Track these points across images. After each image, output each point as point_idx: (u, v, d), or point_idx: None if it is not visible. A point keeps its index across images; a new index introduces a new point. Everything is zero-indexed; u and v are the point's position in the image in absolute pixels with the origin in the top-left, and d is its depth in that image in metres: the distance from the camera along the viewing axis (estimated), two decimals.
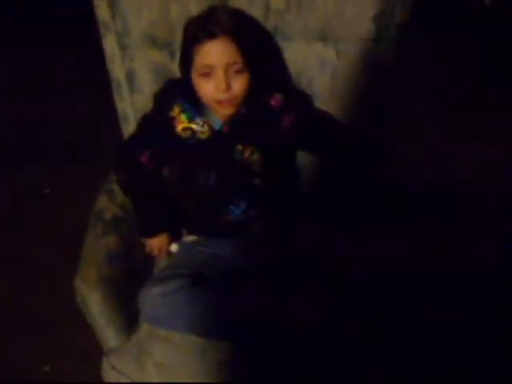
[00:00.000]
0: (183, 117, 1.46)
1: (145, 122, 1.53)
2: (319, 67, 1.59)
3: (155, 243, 1.61)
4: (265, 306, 1.42)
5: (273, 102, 1.46)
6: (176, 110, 1.46)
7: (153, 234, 1.61)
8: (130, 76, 1.61)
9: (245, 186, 1.51)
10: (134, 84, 1.62)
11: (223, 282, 1.42)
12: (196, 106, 1.44)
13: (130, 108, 1.68)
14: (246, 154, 1.46)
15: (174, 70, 1.55)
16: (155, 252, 1.62)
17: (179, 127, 1.46)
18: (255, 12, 1.51)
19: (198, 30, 1.31)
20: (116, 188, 1.61)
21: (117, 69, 1.62)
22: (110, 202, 1.58)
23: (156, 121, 1.50)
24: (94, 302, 1.35)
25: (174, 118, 1.46)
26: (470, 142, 2.86)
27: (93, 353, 1.56)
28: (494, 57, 3.60)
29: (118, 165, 1.60)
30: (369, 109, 1.64)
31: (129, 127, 1.71)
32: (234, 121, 1.43)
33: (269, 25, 1.54)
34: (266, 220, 1.56)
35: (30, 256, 2.37)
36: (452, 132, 2.94)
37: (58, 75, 3.64)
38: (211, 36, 1.29)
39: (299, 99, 1.53)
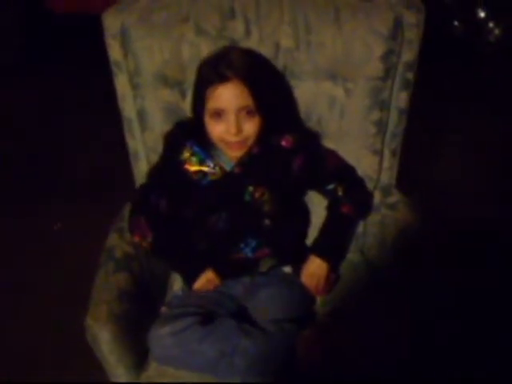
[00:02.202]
0: (194, 160, 1.48)
1: (158, 171, 1.57)
2: (328, 105, 1.60)
3: (202, 285, 1.53)
4: None
5: (284, 143, 1.48)
6: (186, 154, 1.48)
7: (195, 279, 1.53)
8: (142, 114, 1.62)
9: (255, 226, 1.52)
10: (145, 122, 1.63)
11: (232, 320, 1.42)
12: (206, 149, 1.47)
13: (141, 146, 1.69)
14: (257, 195, 1.48)
15: (185, 108, 1.58)
16: (210, 288, 1.53)
17: (190, 170, 1.48)
18: (265, 51, 1.52)
19: (210, 73, 1.34)
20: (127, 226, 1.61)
21: (128, 107, 1.64)
22: (121, 239, 1.58)
23: (168, 167, 1.53)
24: (104, 341, 1.34)
25: (184, 162, 1.49)
26: None
27: None
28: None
29: (133, 215, 1.58)
30: (376, 149, 1.65)
31: (139, 165, 1.73)
32: (245, 162, 1.45)
33: (278, 64, 1.55)
34: (276, 257, 1.56)
35: (36, 293, 2.36)
36: None
37: (67, 110, 3.68)
38: (223, 79, 1.32)
39: (309, 140, 1.56)
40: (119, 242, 1.58)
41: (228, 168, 1.48)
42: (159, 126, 1.61)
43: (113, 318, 1.37)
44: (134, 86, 1.59)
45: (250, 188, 1.48)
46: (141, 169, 1.73)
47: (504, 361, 1.97)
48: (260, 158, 1.46)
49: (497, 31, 3.97)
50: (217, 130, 1.38)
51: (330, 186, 1.57)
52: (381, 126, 1.62)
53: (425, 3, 1.53)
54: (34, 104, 3.80)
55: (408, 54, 1.54)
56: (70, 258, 2.48)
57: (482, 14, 3.93)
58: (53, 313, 2.24)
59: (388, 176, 1.72)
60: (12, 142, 3.42)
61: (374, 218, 1.70)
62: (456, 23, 3.96)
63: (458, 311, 1.39)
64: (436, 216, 2.18)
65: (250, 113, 1.36)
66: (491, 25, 3.95)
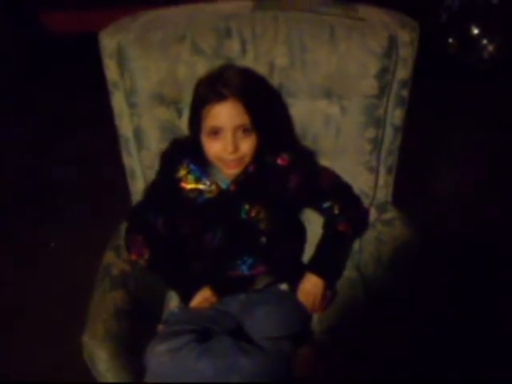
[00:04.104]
0: (190, 178, 1.49)
1: (154, 189, 1.58)
2: (324, 123, 1.61)
3: (199, 302, 1.52)
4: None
5: (280, 162, 1.49)
6: (183, 172, 1.50)
7: (192, 297, 1.52)
8: (138, 133, 1.63)
9: (251, 243, 1.52)
10: (141, 141, 1.63)
11: (229, 338, 1.41)
12: (202, 166, 1.48)
13: (137, 164, 1.69)
14: (253, 213, 1.48)
15: (181, 127, 1.58)
16: (207, 306, 1.52)
17: (187, 188, 1.49)
18: (260, 70, 1.54)
19: (208, 91, 1.35)
20: (123, 243, 1.61)
21: (125, 126, 1.65)
22: (118, 257, 1.58)
23: (164, 185, 1.54)
24: (101, 359, 1.34)
25: (181, 180, 1.50)
26: None
27: None
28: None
29: (130, 233, 1.59)
30: (372, 166, 1.66)
31: (136, 183, 1.74)
32: (241, 180, 1.46)
33: (274, 82, 1.57)
34: (273, 275, 1.56)
35: (34, 309, 2.36)
36: None
37: (61, 130, 3.69)
38: (221, 98, 1.33)
39: (305, 158, 1.57)
40: (116, 259, 1.58)
41: (224, 186, 1.48)
42: (156, 144, 1.62)
43: (109, 336, 1.37)
44: (131, 105, 1.59)
45: (246, 206, 1.48)
46: (137, 187, 1.73)
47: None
48: (256, 176, 1.47)
49: (490, 48, 3.99)
50: (214, 148, 1.39)
51: (326, 204, 1.58)
52: (376, 143, 1.62)
53: (419, 20, 1.55)
54: (32, 124, 3.81)
55: (402, 72, 1.55)
56: (68, 274, 2.48)
57: (476, 31, 3.96)
58: (50, 329, 2.24)
59: (384, 193, 1.73)
60: (8, 164, 3.42)
61: (370, 235, 1.70)
62: (450, 40, 3.99)
63: (457, 328, 1.38)
64: (434, 231, 2.19)
65: (246, 131, 1.37)
66: (485, 41, 3.98)
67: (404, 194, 1.77)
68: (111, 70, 1.58)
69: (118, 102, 1.62)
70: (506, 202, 2.85)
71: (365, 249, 1.73)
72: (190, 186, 1.49)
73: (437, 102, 3.54)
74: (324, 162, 1.64)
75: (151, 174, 1.62)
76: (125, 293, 1.50)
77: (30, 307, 2.38)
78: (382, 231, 1.68)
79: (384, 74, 1.53)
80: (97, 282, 1.53)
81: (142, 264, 1.55)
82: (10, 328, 2.31)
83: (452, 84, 3.79)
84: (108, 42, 1.56)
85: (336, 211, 1.58)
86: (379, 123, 1.60)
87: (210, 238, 1.51)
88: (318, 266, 1.57)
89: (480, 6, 3.90)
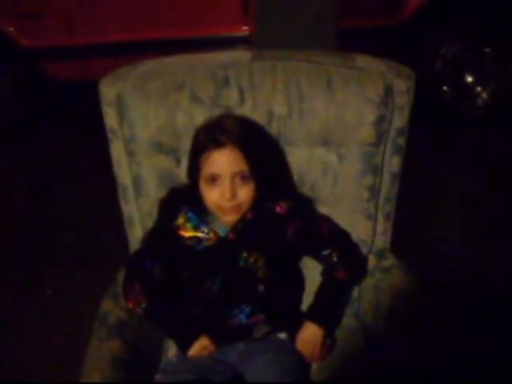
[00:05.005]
0: (189, 226, 1.49)
1: (152, 237, 1.57)
2: (322, 171, 1.62)
3: (197, 351, 1.50)
4: None
5: (278, 209, 1.49)
6: (181, 220, 1.49)
7: (190, 346, 1.50)
8: (137, 181, 1.63)
9: (249, 292, 1.51)
10: (140, 188, 1.63)
11: None
12: (201, 214, 1.48)
13: (135, 212, 1.69)
14: (251, 261, 1.48)
15: (180, 175, 1.59)
16: (205, 355, 1.50)
17: (185, 236, 1.48)
18: (259, 118, 1.55)
19: (206, 139, 1.36)
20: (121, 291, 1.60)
21: (124, 174, 1.65)
22: (115, 305, 1.57)
23: (162, 233, 1.54)
24: None
25: (179, 227, 1.49)
26: None
27: None
28: None
29: (128, 280, 1.58)
30: (370, 213, 1.66)
31: (134, 230, 1.73)
32: (239, 228, 1.46)
33: (272, 130, 1.57)
34: (271, 324, 1.55)
35: (30, 358, 2.33)
36: None
37: (59, 175, 3.70)
38: (219, 145, 1.33)
39: (303, 206, 1.56)
40: (113, 307, 1.57)
41: (222, 234, 1.48)
42: (154, 192, 1.62)
43: None
44: (130, 153, 1.60)
45: (244, 254, 1.48)
46: (135, 234, 1.73)
47: None
48: (254, 224, 1.46)
49: (484, 95, 4.05)
50: (212, 195, 1.39)
51: (325, 252, 1.57)
52: (374, 190, 1.63)
53: (414, 69, 1.57)
54: (28, 170, 3.82)
55: (399, 120, 1.57)
56: (65, 322, 2.46)
57: (470, 79, 4.03)
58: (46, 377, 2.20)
59: (382, 240, 1.72)
60: (8, 209, 3.43)
61: (368, 283, 1.69)
62: (445, 88, 4.05)
63: (456, 376, 1.37)
64: (432, 278, 2.19)
65: (244, 178, 1.37)
66: (479, 89, 4.04)
67: (402, 240, 1.77)
68: (110, 118, 1.59)
69: (116, 149, 1.63)
70: (506, 250, 2.84)
71: (363, 297, 1.71)
72: (188, 233, 1.49)
73: (433, 149, 3.57)
74: (322, 209, 1.63)
75: (149, 222, 1.62)
76: (121, 342, 1.48)
77: (24, 358, 2.35)
78: (381, 279, 1.67)
79: (381, 122, 1.55)
80: (93, 330, 1.51)
81: (139, 312, 1.54)
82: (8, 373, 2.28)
83: (448, 131, 3.84)
84: (107, 90, 1.57)
85: (335, 259, 1.57)
86: (377, 171, 1.61)
87: (208, 285, 1.49)
88: (316, 314, 1.55)
89: (473, 55, 3.97)
